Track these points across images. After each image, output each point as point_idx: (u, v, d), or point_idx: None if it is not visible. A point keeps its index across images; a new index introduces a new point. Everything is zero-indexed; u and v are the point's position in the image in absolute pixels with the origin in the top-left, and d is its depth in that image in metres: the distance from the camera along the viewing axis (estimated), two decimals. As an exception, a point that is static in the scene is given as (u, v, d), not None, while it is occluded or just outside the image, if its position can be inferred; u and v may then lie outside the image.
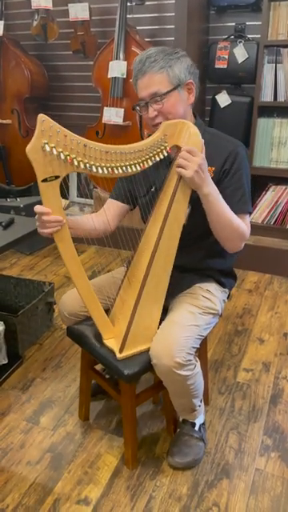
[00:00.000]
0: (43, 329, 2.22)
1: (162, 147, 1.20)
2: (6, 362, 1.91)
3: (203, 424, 1.55)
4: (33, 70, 3.13)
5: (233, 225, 1.32)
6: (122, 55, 2.78)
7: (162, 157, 1.21)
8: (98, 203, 3.22)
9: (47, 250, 3.14)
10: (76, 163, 1.09)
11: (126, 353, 1.33)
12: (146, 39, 2.91)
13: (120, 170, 1.15)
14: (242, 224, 1.35)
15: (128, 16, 2.77)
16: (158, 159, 1.20)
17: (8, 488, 1.43)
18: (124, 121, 2.85)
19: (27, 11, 3.17)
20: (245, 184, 1.38)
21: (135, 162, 1.16)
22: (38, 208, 1.15)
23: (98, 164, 1.11)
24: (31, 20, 3.06)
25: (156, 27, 2.97)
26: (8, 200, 3.17)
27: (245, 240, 1.39)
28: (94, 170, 1.11)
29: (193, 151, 1.20)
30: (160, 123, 1.26)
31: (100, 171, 1.12)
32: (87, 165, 1.10)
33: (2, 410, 1.74)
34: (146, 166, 1.19)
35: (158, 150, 1.20)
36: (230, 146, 1.36)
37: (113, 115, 2.86)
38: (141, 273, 1.32)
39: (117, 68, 2.78)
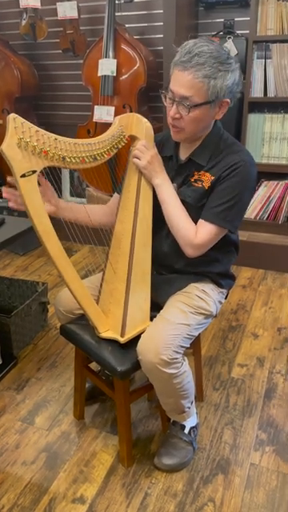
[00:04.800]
0: (37, 329, 2.22)
1: (122, 136, 1.30)
2: (0, 362, 1.90)
3: (194, 427, 1.53)
4: (23, 70, 3.12)
5: (174, 223, 1.33)
6: (111, 53, 2.77)
7: (123, 144, 1.30)
8: (91, 202, 3.22)
9: (41, 251, 3.13)
10: (51, 155, 1.15)
11: (128, 336, 1.36)
12: (135, 37, 2.90)
13: (90, 159, 1.23)
14: (190, 229, 1.31)
15: (116, 14, 2.76)
16: (119, 147, 1.30)
17: (3, 488, 1.42)
18: (115, 119, 2.84)
19: (15, 10, 3.16)
20: (233, 198, 1.28)
21: (101, 151, 1.25)
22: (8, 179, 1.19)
23: (69, 155, 1.19)
24: (20, 19, 3.04)
25: (145, 24, 2.96)
26: (0, 200, 3.16)
27: (191, 247, 1.32)
28: (68, 160, 1.18)
29: (148, 145, 1.33)
30: (175, 127, 1.28)
31: (73, 161, 1.20)
32: (60, 156, 1.17)
33: (-4, 411, 1.74)
34: (112, 154, 1.28)
35: (119, 139, 1.29)
36: (237, 159, 1.28)
37: (104, 114, 2.86)
38: (124, 258, 1.37)
39: (106, 66, 2.77)
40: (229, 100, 1.26)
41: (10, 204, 1.25)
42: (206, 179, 1.33)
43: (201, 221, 1.32)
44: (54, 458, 1.53)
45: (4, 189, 1.24)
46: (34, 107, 3.42)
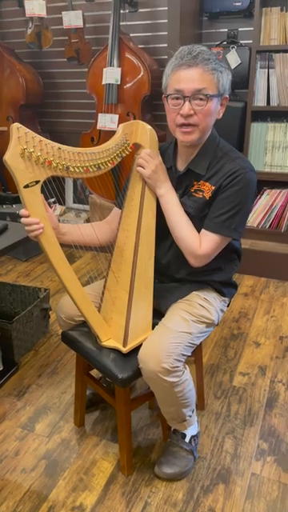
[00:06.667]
0: (39, 335, 2.21)
1: (126, 145, 1.29)
2: (1, 368, 1.90)
3: (195, 436, 1.52)
4: (28, 78, 3.15)
5: (178, 233, 1.33)
6: (115, 62, 2.79)
7: (127, 153, 1.30)
8: (94, 209, 3.23)
9: (43, 257, 3.13)
10: (54, 165, 1.14)
11: (130, 345, 1.35)
12: (140, 46, 2.93)
13: (94, 168, 1.22)
14: (195, 240, 1.31)
15: (121, 23, 2.79)
16: (123, 155, 1.29)
17: (2, 496, 1.42)
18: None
19: (21, 19, 3.20)
20: (236, 206, 1.29)
21: (105, 160, 1.24)
22: (21, 211, 1.16)
23: (73, 165, 1.18)
24: (25, 28, 3.08)
25: (149, 34, 2.99)
26: (4, 206, 3.17)
27: (194, 257, 1.33)
28: (71, 169, 1.18)
29: (152, 154, 1.32)
30: (189, 125, 1.25)
31: (77, 170, 1.19)
32: (64, 166, 1.16)
33: (-3, 418, 1.73)
34: (116, 162, 1.27)
35: (123, 147, 1.29)
36: (236, 167, 1.29)
37: (107, 121, 2.88)
38: (127, 267, 1.36)
39: (111, 75, 2.80)
40: (228, 96, 1.31)
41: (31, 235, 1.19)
42: (207, 189, 1.32)
43: (204, 231, 1.32)
44: (53, 465, 1.52)
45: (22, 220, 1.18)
46: (39, 114, 3.45)
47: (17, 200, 3.33)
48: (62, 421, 1.71)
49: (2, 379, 1.91)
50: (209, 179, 1.33)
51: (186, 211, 1.34)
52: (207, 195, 1.32)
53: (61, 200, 3.55)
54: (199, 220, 1.34)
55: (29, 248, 3.11)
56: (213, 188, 1.31)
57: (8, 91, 3.16)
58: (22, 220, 1.16)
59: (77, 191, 3.56)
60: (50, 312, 2.27)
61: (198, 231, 1.33)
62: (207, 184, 1.32)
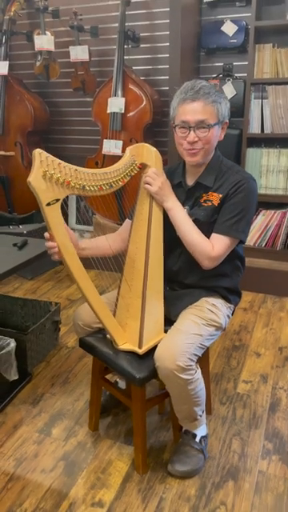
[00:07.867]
0: (50, 347, 2.31)
1: (134, 164, 1.44)
2: (16, 377, 1.99)
3: (205, 437, 1.62)
4: (35, 106, 3.34)
5: (189, 240, 1.48)
6: (120, 92, 3.00)
7: (135, 172, 1.45)
8: (98, 229, 3.37)
9: (48, 275, 3.25)
10: (72, 184, 1.28)
11: (145, 347, 1.47)
12: (142, 78, 3.14)
13: (107, 186, 1.37)
14: (205, 243, 1.47)
15: (125, 57, 3.01)
16: (132, 174, 1.44)
17: (25, 494, 1.49)
18: (123, 152, 3.04)
19: (30, 52, 3.42)
20: (242, 211, 1.47)
21: (116, 179, 1.38)
22: (45, 234, 1.31)
23: (89, 184, 1.32)
24: (34, 60, 3.29)
25: (150, 67, 3.22)
26: (11, 227, 3.31)
27: (209, 259, 1.48)
28: (87, 188, 1.32)
29: (158, 173, 1.48)
30: (194, 150, 1.45)
31: (92, 189, 1.33)
32: (81, 185, 1.30)
33: (14, 423, 1.81)
34: (126, 180, 1.41)
35: (131, 167, 1.43)
36: (240, 178, 1.49)
37: (112, 147, 3.06)
38: (139, 275, 1.49)
39: (115, 104, 3.00)
40: (227, 121, 1.51)
41: (54, 257, 1.35)
42: (215, 198, 1.51)
43: (215, 235, 1.49)
44: (71, 466, 1.61)
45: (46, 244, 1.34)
46: (45, 140, 3.63)
47: (23, 221, 3.48)
48: (77, 426, 1.80)
49: (17, 388, 1.99)
50: (216, 190, 1.51)
51: (197, 219, 1.50)
52: (216, 202, 1.50)
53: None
54: (208, 225, 1.50)
55: (35, 266, 3.23)
56: (220, 196, 1.50)
57: (17, 118, 3.35)
58: (46, 244, 1.32)
59: (80, 212, 3.70)
60: (60, 325, 2.37)
61: (208, 236, 1.49)
62: (215, 194, 1.51)
